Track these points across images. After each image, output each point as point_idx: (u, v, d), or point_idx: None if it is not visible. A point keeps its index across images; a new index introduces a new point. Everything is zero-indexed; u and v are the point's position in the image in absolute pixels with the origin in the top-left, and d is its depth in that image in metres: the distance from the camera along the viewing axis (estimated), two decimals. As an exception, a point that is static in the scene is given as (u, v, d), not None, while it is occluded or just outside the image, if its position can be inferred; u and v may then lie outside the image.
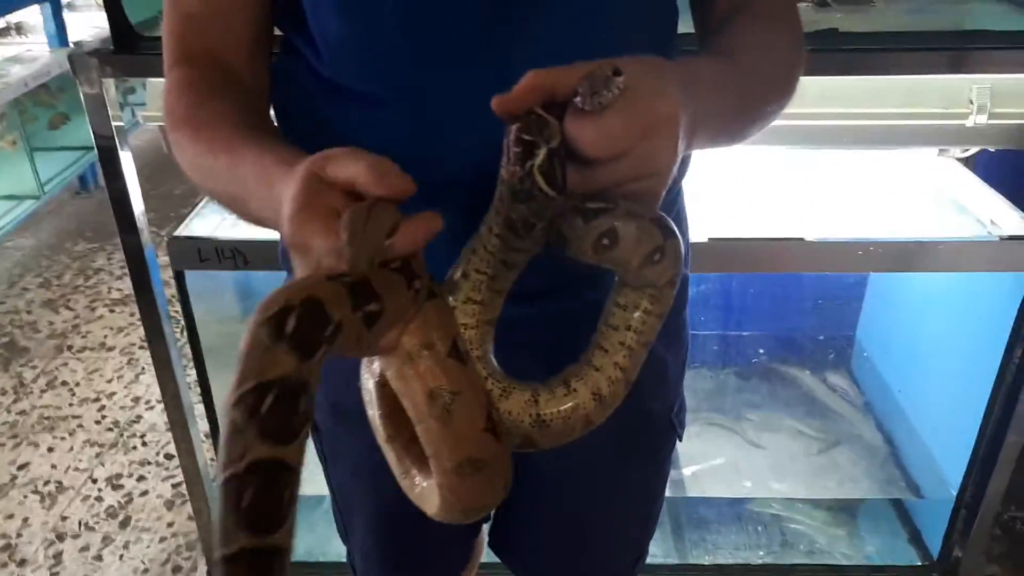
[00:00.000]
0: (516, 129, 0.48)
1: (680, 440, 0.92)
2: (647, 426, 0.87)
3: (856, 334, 1.96)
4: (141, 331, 1.63)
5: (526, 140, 0.48)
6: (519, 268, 0.55)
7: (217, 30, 0.69)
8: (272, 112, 0.73)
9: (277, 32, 0.73)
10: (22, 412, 2.30)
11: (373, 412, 0.59)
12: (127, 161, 1.24)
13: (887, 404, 1.84)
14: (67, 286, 2.89)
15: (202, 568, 1.75)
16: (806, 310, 1.86)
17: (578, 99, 0.47)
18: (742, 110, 0.64)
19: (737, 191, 1.47)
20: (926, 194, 1.51)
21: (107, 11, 1.13)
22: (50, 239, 3.20)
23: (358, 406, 0.83)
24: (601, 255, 0.51)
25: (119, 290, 2.86)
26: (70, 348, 2.56)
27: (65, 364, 2.49)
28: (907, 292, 1.79)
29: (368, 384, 0.58)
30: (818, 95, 1.20)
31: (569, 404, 0.55)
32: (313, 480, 0.91)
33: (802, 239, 1.27)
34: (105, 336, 2.62)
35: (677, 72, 0.54)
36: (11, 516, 1.96)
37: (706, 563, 1.61)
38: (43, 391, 2.39)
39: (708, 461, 1.71)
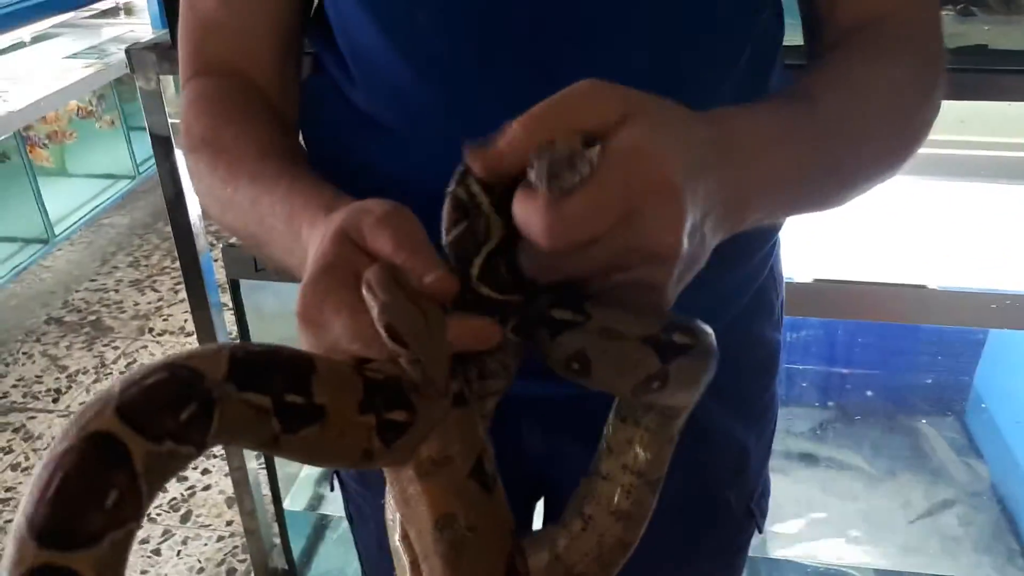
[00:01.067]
0: (447, 219, 0.39)
1: (760, 531, 0.79)
2: (722, 518, 0.75)
3: (974, 382, 1.75)
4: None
5: (459, 241, 0.38)
6: (500, 386, 0.44)
7: (238, 38, 0.60)
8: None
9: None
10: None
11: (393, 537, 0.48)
12: (183, 160, 1.18)
13: (1005, 464, 1.63)
14: (155, 267, 2.93)
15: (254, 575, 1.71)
16: (921, 363, 1.66)
17: (532, 176, 0.34)
18: (823, 173, 0.49)
19: (850, 226, 1.30)
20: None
21: (166, 7, 1.07)
22: (144, 218, 3.25)
23: (382, 472, 0.74)
24: (578, 378, 0.39)
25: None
26: (151, 331, 2.59)
27: (145, 347, 2.52)
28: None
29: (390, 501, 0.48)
30: (956, 120, 1.03)
31: (593, 539, 0.44)
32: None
33: (924, 287, 1.10)
34: (185, 321, 2.63)
35: (701, 125, 0.40)
36: None
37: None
38: (122, 373, 2.41)
39: (795, 515, 1.55)
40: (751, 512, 0.77)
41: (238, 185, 0.53)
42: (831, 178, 0.50)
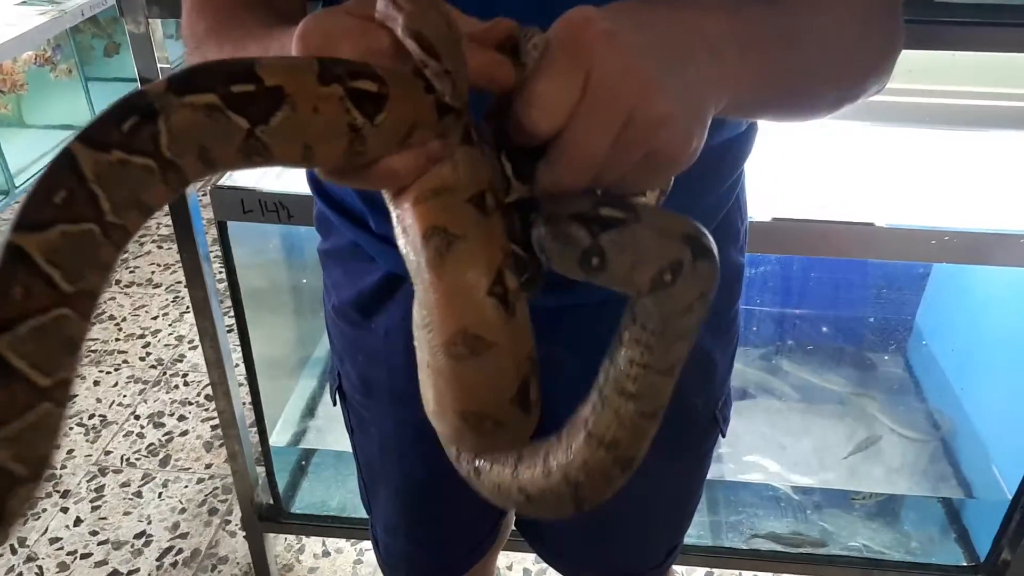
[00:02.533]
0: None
1: (723, 436, 0.88)
2: (690, 422, 0.83)
3: (916, 320, 1.87)
4: (184, 275, 1.63)
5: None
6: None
7: None
8: None
9: None
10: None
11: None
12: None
13: (943, 397, 1.76)
14: (118, 219, 2.92)
15: (237, 512, 1.77)
16: (867, 297, 1.77)
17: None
18: (787, 70, 0.51)
19: (806, 168, 1.38)
20: (1017, 182, 1.41)
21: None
22: (103, 171, 3.22)
23: (388, 382, 0.80)
24: (592, 275, 0.40)
25: (167, 226, 2.87)
26: (118, 283, 2.59)
27: (113, 298, 2.53)
28: (975, 282, 1.70)
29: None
30: (904, 70, 1.11)
31: (611, 414, 0.44)
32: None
33: (872, 224, 1.19)
34: (152, 272, 2.64)
35: (647, 10, 0.43)
36: (56, 447, 2.00)
37: (742, 547, 1.58)
38: (91, 324, 2.42)
39: (751, 443, 1.66)
40: (716, 419, 0.85)
41: (247, 47, 0.51)
42: (797, 78, 0.52)
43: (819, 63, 0.54)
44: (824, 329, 1.84)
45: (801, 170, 1.37)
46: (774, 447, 1.66)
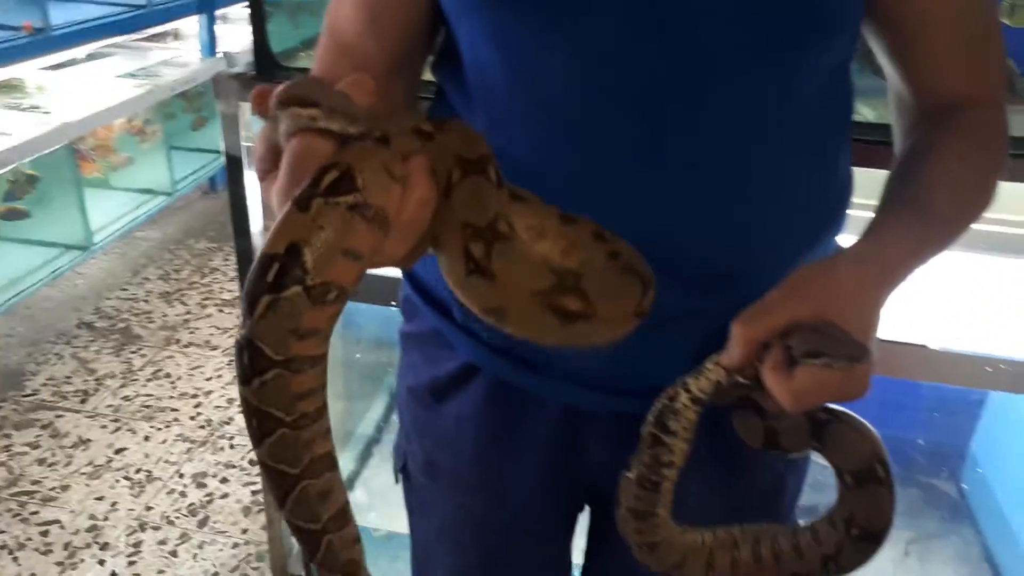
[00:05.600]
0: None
1: None
2: None
3: (971, 447, 1.82)
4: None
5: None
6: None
7: (356, 57, 0.69)
8: None
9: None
10: (126, 398, 2.41)
11: None
12: (251, 175, 1.29)
13: (998, 532, 1.70)
14: (184, 281, 3.03)
15: (268, 581, 1.77)
16: (918, 419, 1.74)
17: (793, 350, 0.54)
18: (925, 259, 0.66)
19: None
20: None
21: (253, 39, 1.18)
22: (176, 234, 3.37)
23: (453, 468, 0.82)
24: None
25: (230, 291, 2.97)
26: (178, 342, 2.68)
27: (171, 357, 2.61)
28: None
29: None
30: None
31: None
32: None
33: (925, 346, 1.19)
34: (211, 335, 2.73)
35: (867, 282, 0.60)
36: (101, 498, 2.05)
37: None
38: (148, 380, 2.50)
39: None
40: None
41: None
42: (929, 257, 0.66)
43: (962, 225, 0.68)
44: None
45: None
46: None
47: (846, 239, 0.76)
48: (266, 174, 0.46)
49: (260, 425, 0.44)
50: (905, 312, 1.32)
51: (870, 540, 0.61)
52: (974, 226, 1.16)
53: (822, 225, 0.71)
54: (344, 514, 0.50)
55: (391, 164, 0.43)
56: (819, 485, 1.77)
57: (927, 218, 0.64)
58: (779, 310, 0.56)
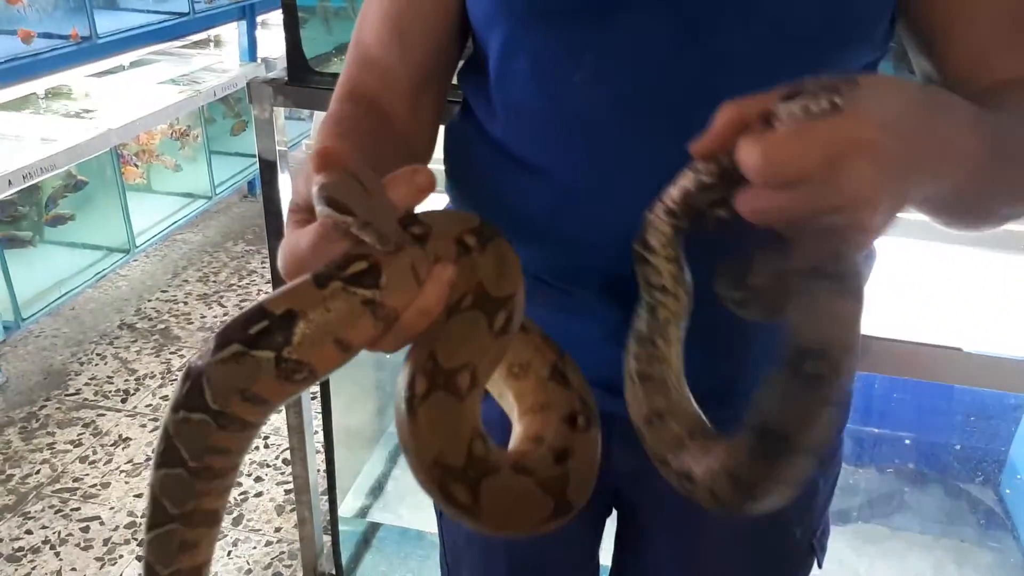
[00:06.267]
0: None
1: (820, 566, 0.86)
2: (788, 550, 0.82)
3: (1010, 453, 1.78)
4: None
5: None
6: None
7: (386, 74, 0.69)
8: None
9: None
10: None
11: None
12: (284, 179, 1.31)
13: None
14: (222, 283, 3.09)
15: (300, 579, 1.80)
16: (954, 423, 1.70)
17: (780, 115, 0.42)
18: (1001, 169, 0.52)
19: (894, 287, 1.37)
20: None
21: (286, 46, 1.20)
22: (215, 237, 3.43)
23: None
24: (767, 313, 0.50)
25: (267, 293, 3.01)
26: (216, 343, 2.72)
27: (209, 357, 2.65)
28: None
29: None
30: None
31: None
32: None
33: (959, 349, 1.16)
34: (248, 336, 2.76)
35: (922, 96, 0.47)
36: (140, 495, 2.09)
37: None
38: (186, 380, 2.54)
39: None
40: (812, 548, 0.83)
41: None
42: (987, 187, 0.53)
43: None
44: (906, 451, 1.77)
45: (890, 289, 1.36)
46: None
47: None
48: (296, 225, 0.45)
49: (164, 453, 0.44)
50: (939, 314, 1.30)
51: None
52: (1011, 226, 1.14)
53: None
54: (197, 574, 0.47)
55: (419, 264, 0.42)
56: (849, 489, 1.76)
57: (1007, 115, 0.54)
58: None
